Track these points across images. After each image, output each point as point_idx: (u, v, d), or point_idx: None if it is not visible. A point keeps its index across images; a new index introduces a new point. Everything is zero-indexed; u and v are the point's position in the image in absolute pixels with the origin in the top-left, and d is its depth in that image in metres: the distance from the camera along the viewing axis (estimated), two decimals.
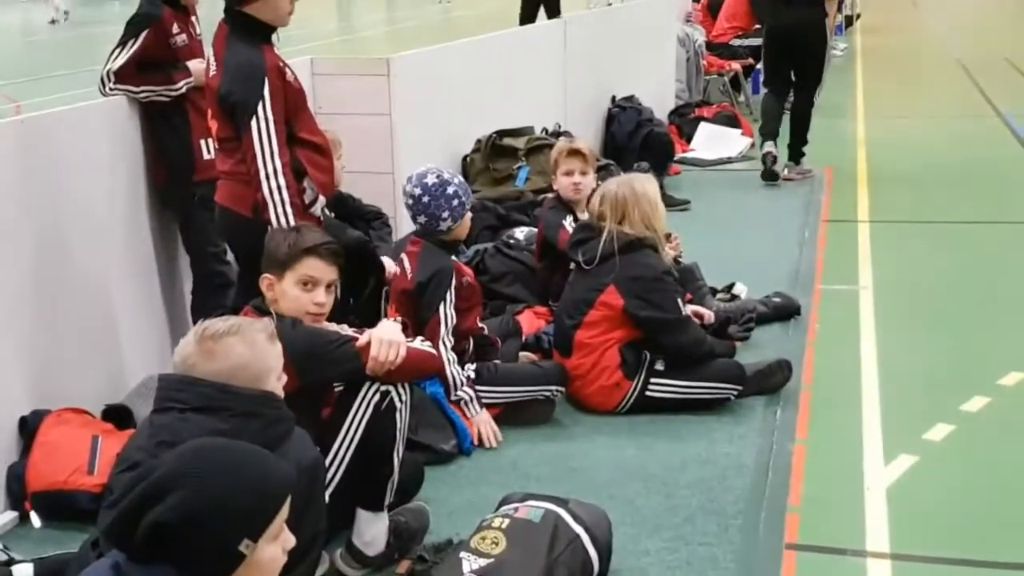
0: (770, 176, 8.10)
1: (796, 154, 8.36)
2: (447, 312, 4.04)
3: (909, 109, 11.47)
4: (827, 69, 8.73)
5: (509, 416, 4.19)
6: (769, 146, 8.17)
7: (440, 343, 4.01)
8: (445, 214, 4.16)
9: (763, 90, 8.81)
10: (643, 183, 4.45)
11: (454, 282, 4.10)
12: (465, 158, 6.44)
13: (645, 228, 4.35)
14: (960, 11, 23.21)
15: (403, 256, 4.23)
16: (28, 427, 3.70)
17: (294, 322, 3.17)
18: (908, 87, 13.15)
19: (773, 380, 4.45)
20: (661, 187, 5.26)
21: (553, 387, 4.27)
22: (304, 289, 3.27)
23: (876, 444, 4.02)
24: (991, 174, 8.41)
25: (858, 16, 19.81)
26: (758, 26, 10.88)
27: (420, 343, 3.32)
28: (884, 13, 23.74)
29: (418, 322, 4.04)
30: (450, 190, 4.15)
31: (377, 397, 3.16)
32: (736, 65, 11.17)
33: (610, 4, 10.76)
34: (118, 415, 3.95)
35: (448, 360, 4.04)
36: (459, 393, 4.06)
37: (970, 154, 9.09)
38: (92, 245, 4.11)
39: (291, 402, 2.66)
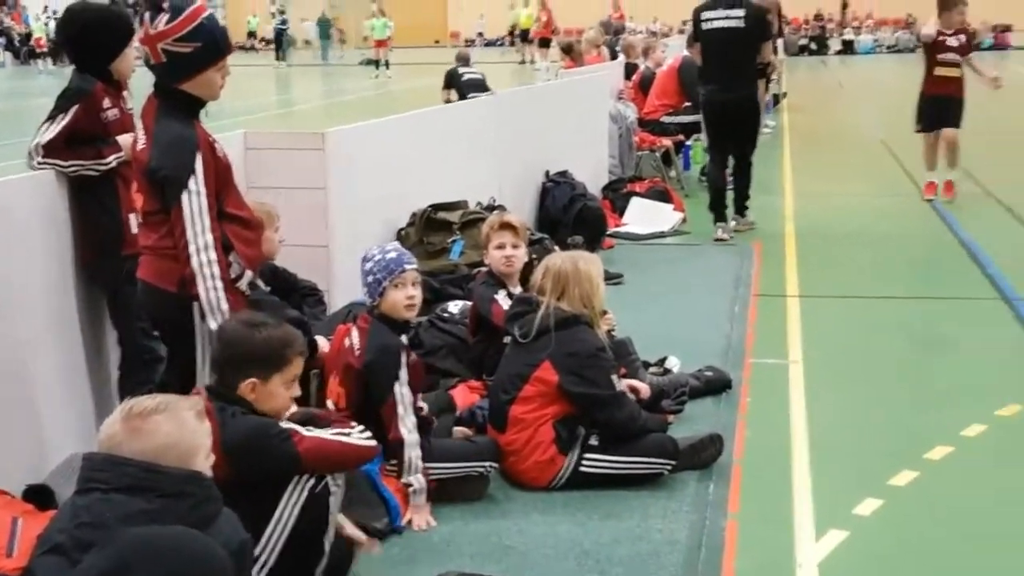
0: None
1: (741, 208, 9.14)
2: (402, 391, 3.97)
3: (835, 185, 11.73)
4: (759, 137, 9.45)
5: (442, 492, 4.14)
6: (721, 230, 8.85)
7: (401, 424, 3.95)
8: (363, 289, 4.19)
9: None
10: (587, 262, 4.49)
11: (403, 359, 4.04)
12: (400, 231, 6.45)
13: (583, 306, 4.38)
14: (884, 92, 23.87)
15: (353, 330, 4.18)
16: None
17: (234, 412, 3.12)
18: (834, 164, 13.46)
19: (705, 454, 4.47)
20: None
21: (487, 463, 4.24)
22: (289, 387, 3.24)
23: (807, 519, 4.04)
24: (915, 249, 8.64)
25: (784, 95, 20.30)
26: (688, 103, 11.15)
27: (358, 435, 3.28)
28: (810, 93, 24.42)
29: (368, 400, 3.98)
30: (366, 266, 4.16)
31: (313, 480, 3.12)
32: (667, 141, 11.40)
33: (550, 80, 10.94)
34: (39, 495, 3.83)
35: (408, 443, 3.96)
36: (411, 479, 3.98)
37: (894, 229, 9.30)
38: (15, 319, 4.01)
39: (222, 488, 2.61)
